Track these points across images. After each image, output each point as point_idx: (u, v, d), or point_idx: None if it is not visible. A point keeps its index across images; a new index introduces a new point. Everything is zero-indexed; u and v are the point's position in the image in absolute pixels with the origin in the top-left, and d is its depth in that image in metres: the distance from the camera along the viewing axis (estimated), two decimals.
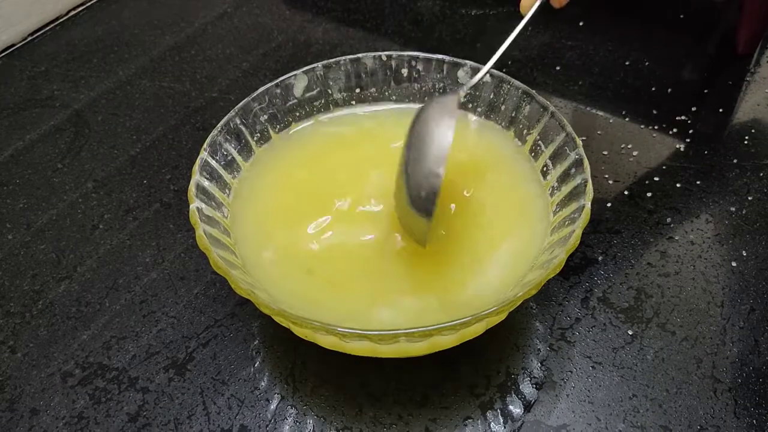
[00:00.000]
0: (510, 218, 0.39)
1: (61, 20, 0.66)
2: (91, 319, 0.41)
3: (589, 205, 0.34)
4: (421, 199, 0.32)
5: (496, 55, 0.38)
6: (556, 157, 0.39)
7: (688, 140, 0.50)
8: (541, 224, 0.38)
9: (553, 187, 0.38)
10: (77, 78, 0.59)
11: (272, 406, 0.36)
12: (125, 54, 0.62)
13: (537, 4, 0.37)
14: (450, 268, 0.36)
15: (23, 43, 0.64)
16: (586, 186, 0.35)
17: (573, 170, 0.37)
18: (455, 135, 0.33)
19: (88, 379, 0.38)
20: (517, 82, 0.42)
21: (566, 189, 0.37)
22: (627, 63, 0.57)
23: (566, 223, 0.35)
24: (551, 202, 0.38)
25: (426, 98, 0.45)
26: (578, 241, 0.32)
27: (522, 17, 0.38)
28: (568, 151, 0.38)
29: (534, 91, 0.41)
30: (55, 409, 0.37)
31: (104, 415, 0.36)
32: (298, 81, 0.44)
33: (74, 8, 0.67)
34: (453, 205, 0.39)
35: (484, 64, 0.43)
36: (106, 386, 0.37)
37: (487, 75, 0.42)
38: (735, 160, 0.48)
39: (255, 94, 0.42)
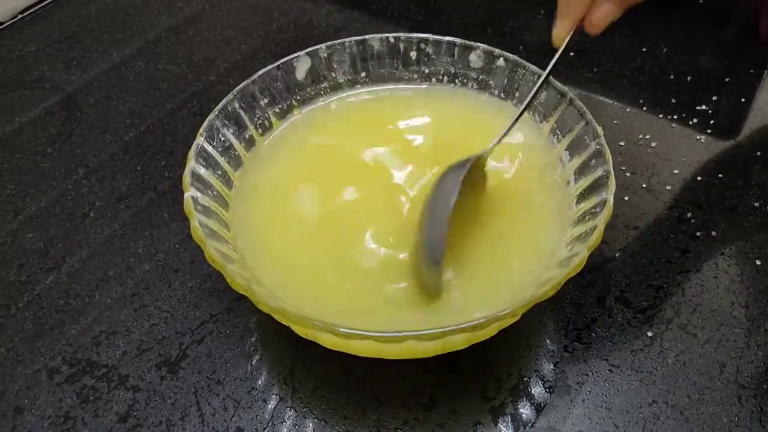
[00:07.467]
0: (524, 211, 0.36)
1: None
2: (80, 312, 0.39)
3: (611, 199, 0.32)
4: (432, 248, 0.32)
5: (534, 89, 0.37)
6: (574, 147, 0.36)
7: (708, 131, 0.47)
8: (557, 218, 0.35)
9: (571, 179, 0.36)
10: (69, 59, 0.57)
11: (270, 408, 0.34)
12: (120, 35, 0.59)
13: (569, 36, 0.36)
14: (461, 265, 0.34)
15: (12, 21, 0.61)
16: (608, 179, 0.33)
17: (593, 161, 0.34)
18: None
19: (75, 377, 0.36)
20: (533, 67, 0.39)
21: (586, 182, 0.34)
22: (644, 49, 0.54)
23: (587, 218, 0.33)
24: (570, 195, 0.36)
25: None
26: (601, 238, 0.30)
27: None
28: (588, 140, 0.35)
29: (551, 77, 0.38)
30: (40, 407, 0.35)
31: (92, 415, 0.34)
32: (301, 63, 0.41)
33: None
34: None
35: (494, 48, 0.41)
36: (95, 384, 0.35)
37: (501, 59, 0.40)
38: (758, 153, 0.46)
39: (255, 77, 0.40)
